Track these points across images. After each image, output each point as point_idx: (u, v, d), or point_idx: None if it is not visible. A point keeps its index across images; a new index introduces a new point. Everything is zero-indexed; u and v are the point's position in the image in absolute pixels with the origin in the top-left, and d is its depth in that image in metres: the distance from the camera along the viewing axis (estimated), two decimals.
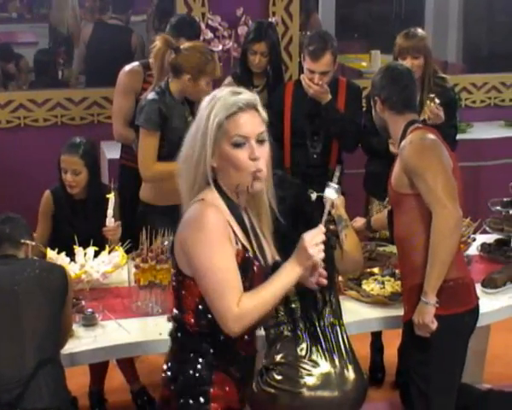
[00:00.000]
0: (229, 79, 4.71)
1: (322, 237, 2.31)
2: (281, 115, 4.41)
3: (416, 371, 3.33)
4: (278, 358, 3.06)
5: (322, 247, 2.30)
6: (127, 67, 4.57)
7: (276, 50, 4.71)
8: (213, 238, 2.28)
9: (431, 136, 3.28)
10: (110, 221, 3.80)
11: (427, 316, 3.16)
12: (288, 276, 2.31)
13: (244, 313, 2.25)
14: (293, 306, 3.07)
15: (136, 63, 4.61)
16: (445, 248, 3.12)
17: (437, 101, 4.04)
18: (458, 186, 3.25)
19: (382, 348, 4.48)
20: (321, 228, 2.33)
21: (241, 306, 2.25)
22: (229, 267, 2.29)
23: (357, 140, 4.42)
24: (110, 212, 3.78)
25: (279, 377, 3.03)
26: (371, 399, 3.99)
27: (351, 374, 3.08)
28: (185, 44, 4.06)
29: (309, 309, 3.06)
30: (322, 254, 2.31)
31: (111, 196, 3.78)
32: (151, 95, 4.01)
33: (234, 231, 2.35)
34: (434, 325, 3.18)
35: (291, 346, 3.05)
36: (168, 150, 4.00)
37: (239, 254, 2.34)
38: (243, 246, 2.37)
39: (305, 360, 3.03)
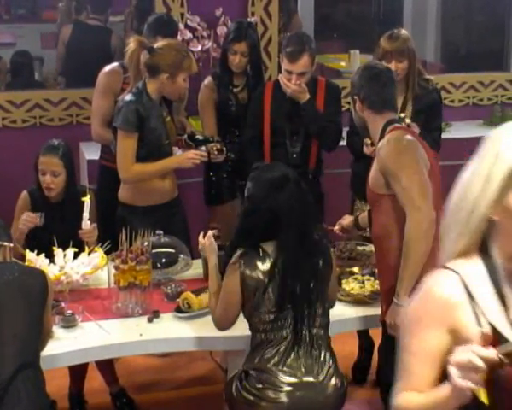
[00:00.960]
0: (209, 79, 4.70)
1: (476, 362, 1.71)
2: (260, 115, 4.41)
3: (394, 371, 3.32)
4: (259, 363, 3.03)
5: (471, 376, 1.71)
6: (107, 68, 4.56)
7: (256, 50, 4.70)
8: (421, 317, 1.93)
9: (408, 136, 3.28)
10: (86, 224, 3.78)
11: (399, 317, 3.12)
12: (437, 396, 1.84)
13: (398, 407, 1.98)
14: (284, 313, 3.03)
15: (115, 64, 4.59)
16: (418, 250, 3.13)
17: (407, 121, 4.01)
18: (438, 186, 3.26)
19: (371, 346, 4.36)
20: (488, 353, 1.72)
21: (402, 397, 1.96)
22: (418, 352, 1.93)
23: (336, 139, 4.42)
24: (86, 215, 3.76)
25: (259, 386, 3.00)
26: (352, 398, 4.00)
27: (332, 380, 3.07)
28: (158, 43, 4.05)
29: (298, 320, 3.02)
30: (468, 384, 1.71)
31: (86, 199, 3.76)
32: (128, 96, 4.00)
33: (476, 312, 1.87)
34: None
35: (274, 352, 3.02)
36: (146, 151, 4.00)
37: (486, 340, 1.77)
38: (494, 328, 1.84)
39: (287, 368, 3.00)
